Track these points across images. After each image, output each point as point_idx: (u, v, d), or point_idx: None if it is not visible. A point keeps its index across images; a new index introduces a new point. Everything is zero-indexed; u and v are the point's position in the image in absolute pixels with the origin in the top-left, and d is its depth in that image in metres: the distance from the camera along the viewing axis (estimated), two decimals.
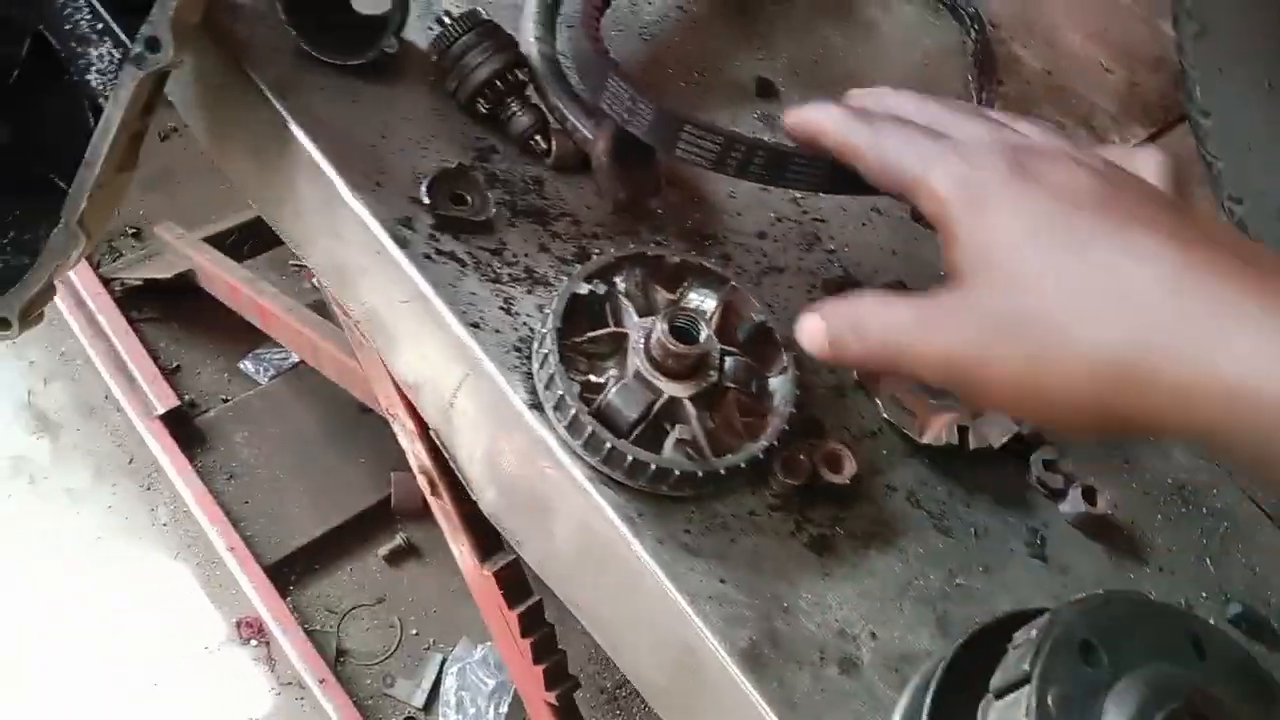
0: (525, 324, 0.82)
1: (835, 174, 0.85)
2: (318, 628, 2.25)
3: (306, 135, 0.86)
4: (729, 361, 0.80)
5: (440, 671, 2.26)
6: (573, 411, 0.74)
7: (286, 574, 2.28)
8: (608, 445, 0.73)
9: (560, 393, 0.74)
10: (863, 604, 0.78)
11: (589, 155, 0.90)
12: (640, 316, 0.80)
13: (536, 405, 0.77)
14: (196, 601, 2.24)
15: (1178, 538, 0.90)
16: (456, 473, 0.85)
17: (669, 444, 0.76)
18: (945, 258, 0.61)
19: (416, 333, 0.83)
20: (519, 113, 0.91)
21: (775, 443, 0.78)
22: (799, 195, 0.99)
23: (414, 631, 2.31)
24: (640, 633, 0.77)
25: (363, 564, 2.35)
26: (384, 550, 2.35)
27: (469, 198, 0.86)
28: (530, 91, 0.93)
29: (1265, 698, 0.65)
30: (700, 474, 0.75)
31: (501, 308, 0.82)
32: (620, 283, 0.83)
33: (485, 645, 2.26)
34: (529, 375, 0.79)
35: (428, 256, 0.82)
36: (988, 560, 0.83)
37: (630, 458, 0.73)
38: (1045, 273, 0.54)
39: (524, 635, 1.57)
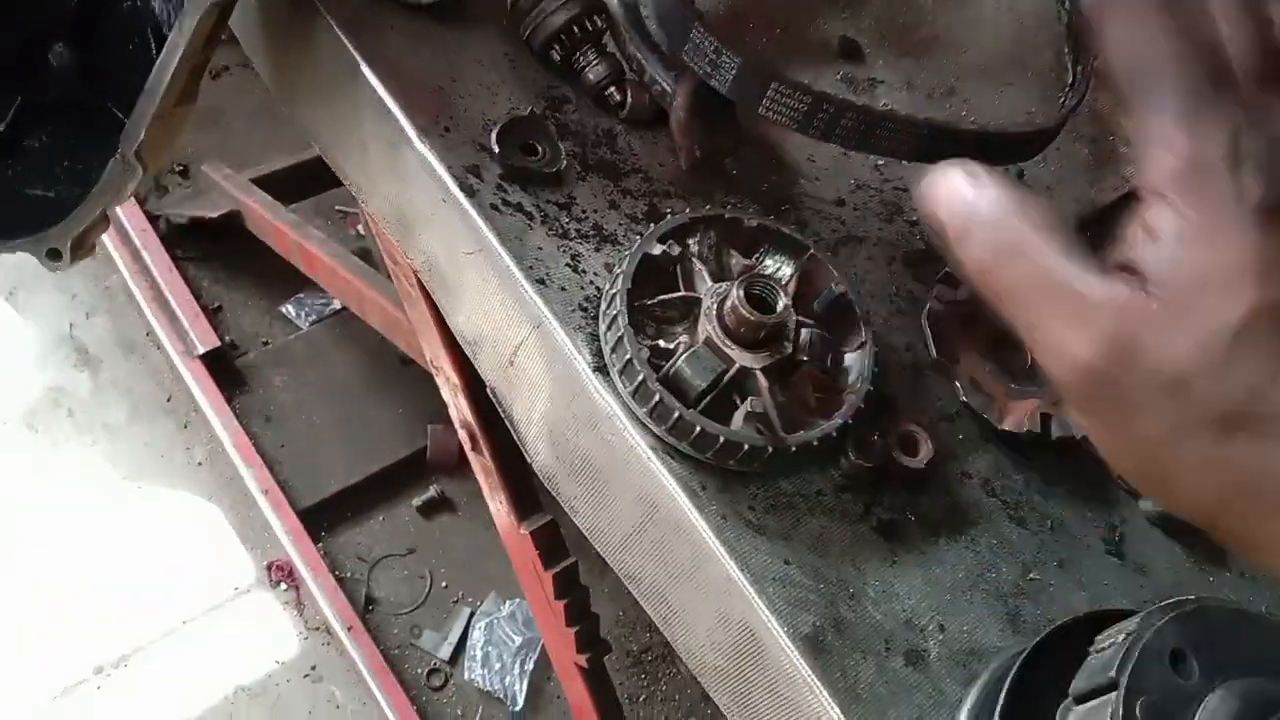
0: (592, 283, 0.78)
1: (929, 141, 0.81)
2: (348, 575, 2.25)
3: (376, 75, 0.82)
4: (804, 333, 0.77)
5: (468, 625, 2.26)
6: (640, 377, 0.71)
7: (319, 520, 2.28)
8: (675, 414, 0.70)
9: (628, 356, 0.71)
10: (932, 594, 0.75)
11: (665, 109, 0.86)
12: (713, 281, 0.77)
13: (601, 368, 0.74)
14: (228, 542, 2.25)
15: None
16: (511, 432, 0.82)
17: (739, 416, 0.72)
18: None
19: (479, 286, 0.80)
20: (595, 62, 0.87)
21: (849, 421, 0.75)
22: (881, 162, 0.95)
23: (443, 584, 2.30)
24: (699, 610, 0.74)
25: (395, 514, 2.34)
26: (417, 501, 2.34)
27: (539, 148, 0.83)
28: (607, 40, 0.89)
29: None
30: (770, 450, 0.71)
31: (568, 264, 0.79)
32: (693, 245, 0.79)
33: (514, 601, 2.26)
34: (594, 337, 0.75)
35: (494, 207, 0.79)
36: (1063, 555, 0.80)
37: (698, 429, 0.70)
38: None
39: (558, 597, 1.55)
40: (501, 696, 2.20)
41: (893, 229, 0.91)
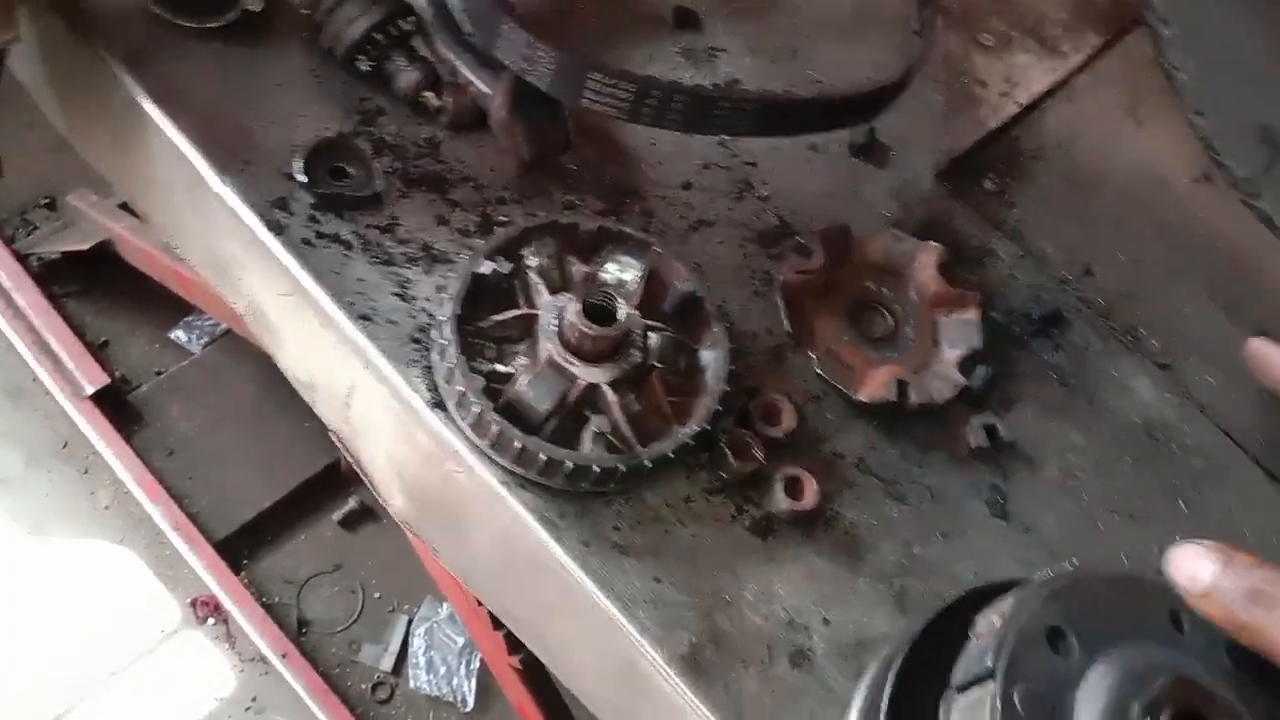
0: (424, 309, 0.74)
1: (765, 116, 0.77)
2: (276, 600, 2.19)
3: (163, 113, 0.76)
4: (654, 338, 0.73)
5: (407, 633, 2.21)
6: (477, 409, 0.66)
7: (238, 548, 2.20)
8: (517, 444, 0.66)
9: (461, 389, 0.67)
10: (812, 588, 0.72)
11: (487, 111, 0.81)
12: (553, 293, 0.72)
13: (439, 403, 0.69)
14: (148, 585, 2.17)
15: (1148, 480, 0.85)
16: (363, 477, 0.78)
17: (588, 437, 0.68)
18: None
19: (302, 329, 0.75)
20: (405, 67, 0.82)
21: (707, 426, 0.71)
22: (726, 137, 0.90)
23: (376, 595, 2.25)
24: (576, 644, 0.71)
25: (317, 531, 2.28)
26: (338, 515, 2.27)
27: (351, 170, 0.77)
28: (417, 43, 0.83)
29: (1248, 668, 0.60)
30: (622, 469, 0.68)
31: (395, 294, 0.74)
32: (530, 257, 0.75)
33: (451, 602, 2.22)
34: (430, 369, 0.71)
35: (307, 242, 0.74)
36: (946, 525, 0.77)
37: (544, 457, 0.66)
38: None
39: (481, 603, 1.52)
40: (451, 699, 2.16)
41: (744, 208, 0.88)
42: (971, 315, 0.85)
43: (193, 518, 2.17)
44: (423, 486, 0.73)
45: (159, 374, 2.37)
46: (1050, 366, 0.87)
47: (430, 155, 0.82)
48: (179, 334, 2.42)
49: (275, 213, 0.74)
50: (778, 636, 0.70)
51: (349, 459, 0.78)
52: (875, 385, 0.79)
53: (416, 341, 0.72)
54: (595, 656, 0.69)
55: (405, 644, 2.20)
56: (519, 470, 0.68)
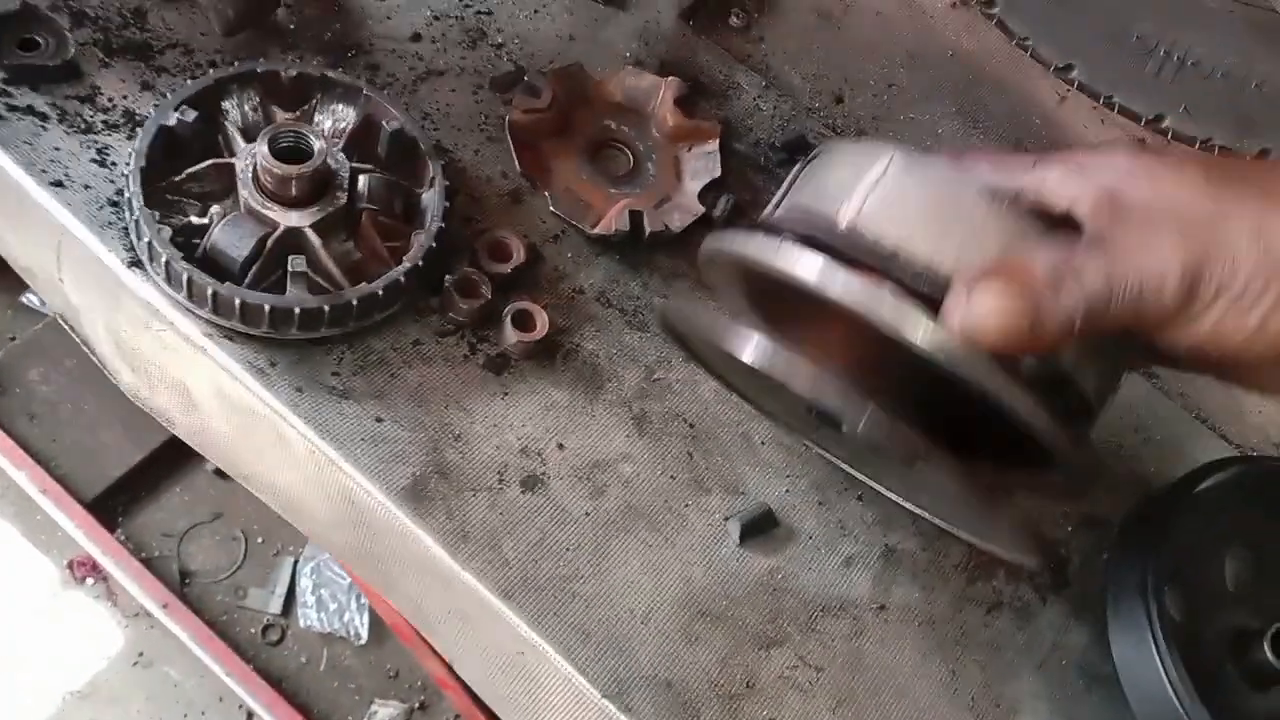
0: (124, 174, 0.71)
1: None
2: (156, 554, 2.15)
3: None
4: (364, 180, 0.71)
5: (294, 574, 2.19)
6: (164, 258, 0.65)
7: (111, 506, 2.15)
8: (210, 291, 0.65)
9: (148, 239, 0.65)
10: (548, 417, 0.72)
11: None
12: (248, 143, 0.70)
13: (137, 262, 0.68)
14: (22, 552, 2.12)
15: None
16: (92, 358, 0.76)
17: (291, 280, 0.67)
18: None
19: (4, 207, 0.72)
20: None
21: (420, 262, 0.70)
22: None
23: (259, 540, 2.22)
24: (305, 492, 0.70)
25: (192, 482, 2.23)
26: (212, 465, 2.23)
27: (40, 40, 0.74)
28: None
29: None
30: (327, 309, 0.67)
31: (94, 160, 0.71)
32: (231, 110, 0.73)
33: None
34: (128, 231, 0.69)
35: None
36: None
37: (239, 301, 0.65)
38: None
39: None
40: (344, 634, 2.15)
41: (477, 56, 0.86)
42: (711, 147, 0.85)
43: (60, 480, 2.11)
44: (139, 353, 0.71)
45: (13, 339, 2.29)
46: None
47: (136, 25, 0.79)
48: (30, 298, 2.33)
49: None
50: (510, 464, 0.70)
51: (81, 343, 0.76)
52: (608, 219, 0.78)
53: (114, 205, 0.69)
54: (324, 500, 0.69)
55: (293, 585, 2.19)
56: (220, 321, 0.66)
